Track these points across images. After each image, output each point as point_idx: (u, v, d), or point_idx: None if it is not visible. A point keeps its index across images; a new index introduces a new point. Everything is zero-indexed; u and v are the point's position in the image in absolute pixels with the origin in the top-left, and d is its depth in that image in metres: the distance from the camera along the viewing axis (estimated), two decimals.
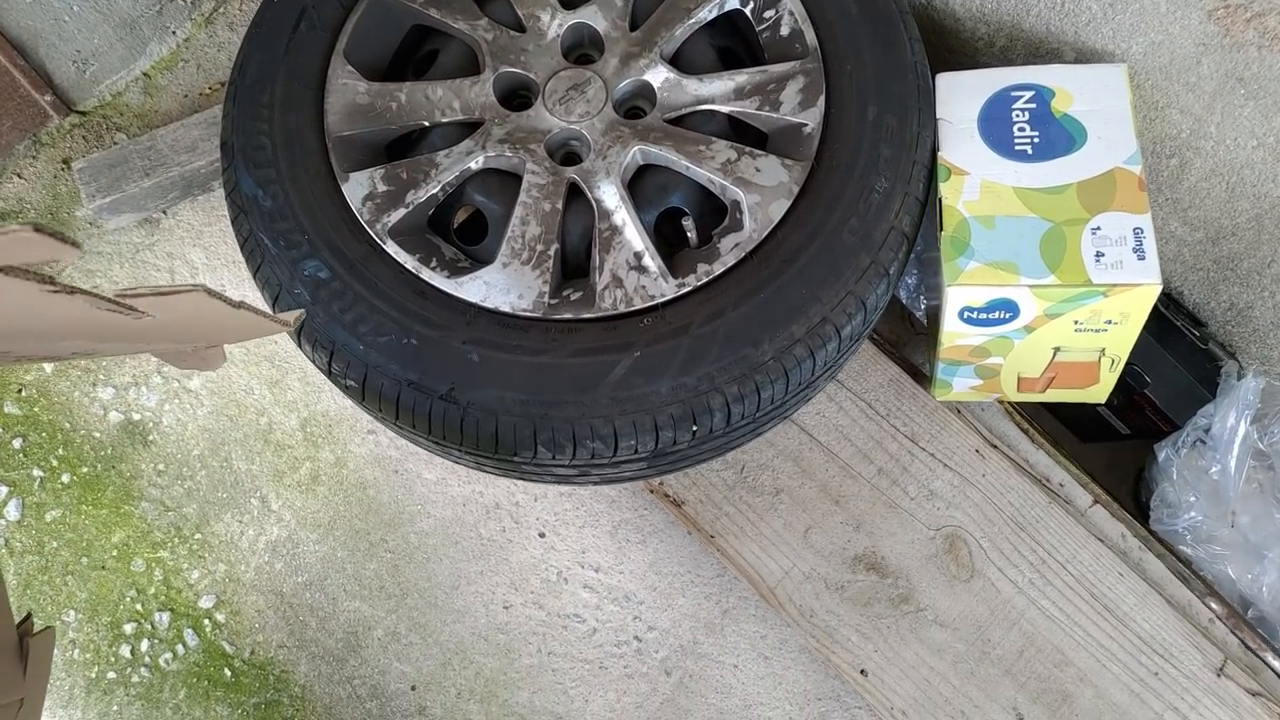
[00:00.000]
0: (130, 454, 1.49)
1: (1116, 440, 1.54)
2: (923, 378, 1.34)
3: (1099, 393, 1.24)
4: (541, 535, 1.50)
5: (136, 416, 1.51)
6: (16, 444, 1.49)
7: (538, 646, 1.46)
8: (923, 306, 1.43)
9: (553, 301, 1.06)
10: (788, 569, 1.25)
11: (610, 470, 1.11)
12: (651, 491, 1.31)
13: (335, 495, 1.49)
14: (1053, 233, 1.05)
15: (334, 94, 1.15)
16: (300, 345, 1.08)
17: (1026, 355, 1.15)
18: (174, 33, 1.63)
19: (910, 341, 1.38)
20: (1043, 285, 1.03)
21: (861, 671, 1.22)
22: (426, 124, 1.15)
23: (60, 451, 1.50)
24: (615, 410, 1.01)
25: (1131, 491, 1.58)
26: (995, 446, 1.30)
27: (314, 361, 1.09)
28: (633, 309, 1.05)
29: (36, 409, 1.52)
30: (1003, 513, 1.26)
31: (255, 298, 1.53)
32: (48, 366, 1.53)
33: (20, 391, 1.52)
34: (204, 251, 1.57)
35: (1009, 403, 1.32)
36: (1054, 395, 1.26)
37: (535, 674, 1.45)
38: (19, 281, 0.61)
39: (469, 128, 1.16)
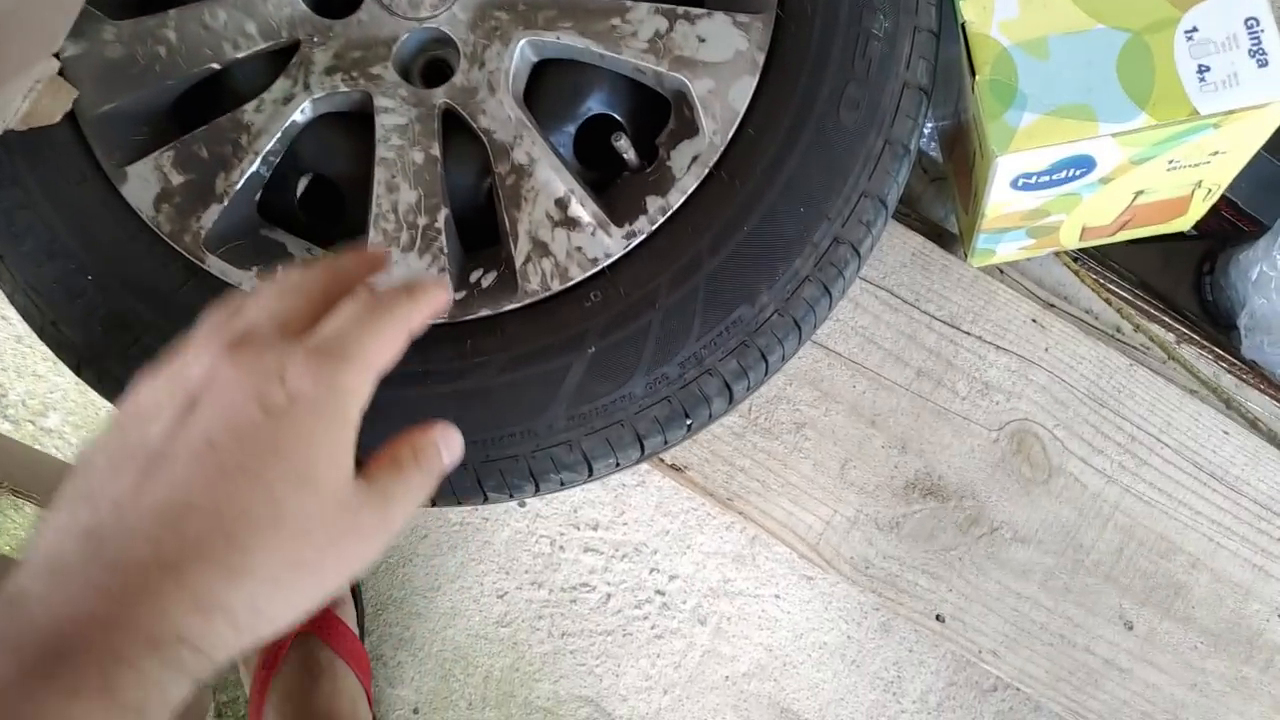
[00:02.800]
0: None
1: (1174, 240, 1.27)
2: (950, 239, 1.05)
3: (1183, 223, 0.96)
4: (521, 505, 1.26)
5: None
6: None
7: (548, 630, 1.25)
8: (932, 127, 1.11)
9: (459, 296, 0.75)
10: (828, 518, 1.01)
11: (594, 479, 0.84)
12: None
13: None
14: (1132, 47, 0.73)
15: (71, 51, 0.78)
16: None
17: (1098, 207, 0.86)
18: None
19: (925, 192, 1.08)
20: (1131, 131, 0.73)
21: (937, 618, 1.01)
22: (216, 66, 0.80)
23: None
24: (579, 431, 0.74)
25: (1193, 289, 1.33)
26: (1053, 307, 1.03)
27: None
28: (571, 282, 0.75)
29: None
30: (1076, 390, 1.01)
31: None
32: None
33: None
34: None
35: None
36: (1125, 235, 0.98)
37: (552, 661, 1.25)
38: None
39: (279, 56, 0.80)
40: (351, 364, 0.42)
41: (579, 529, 1.25)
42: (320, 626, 1.13)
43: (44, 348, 1.22)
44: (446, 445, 0.46)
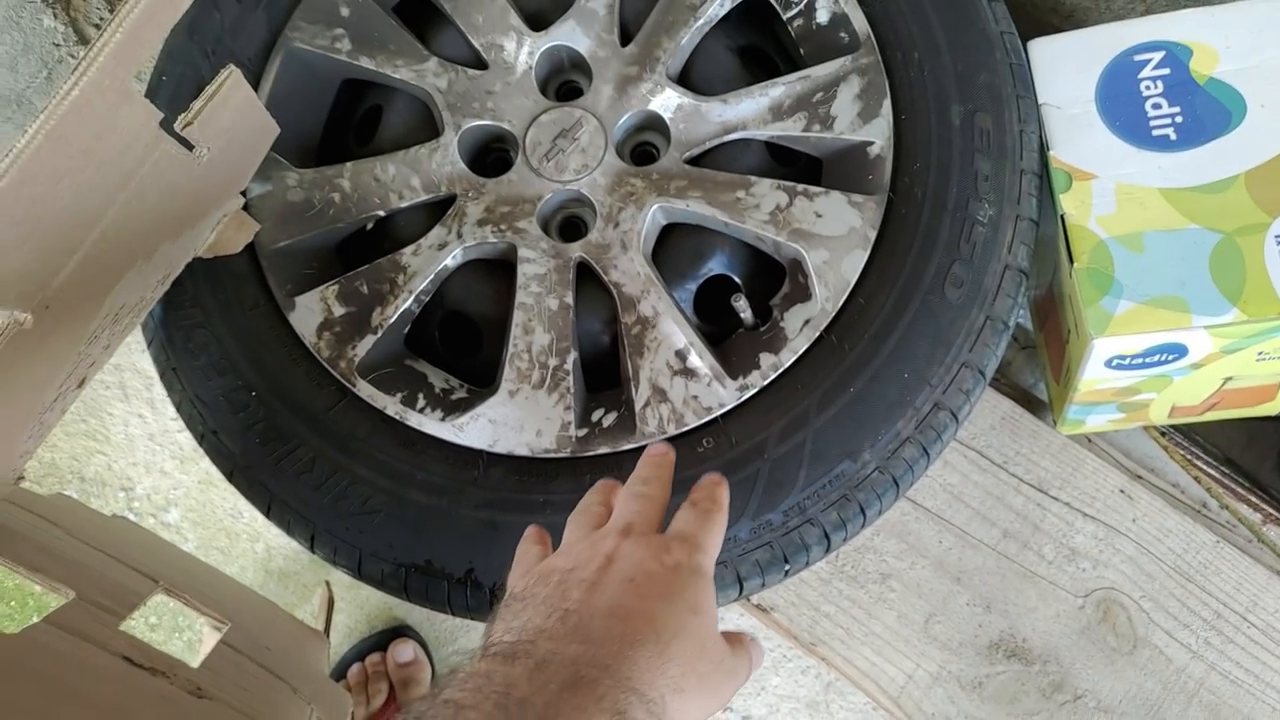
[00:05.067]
0: None
1: (1259, 418, 1.28)
2: (1039, 405, 1.09)
3: (1270, 408, 0.99)
4: None
5: None
6: None
7: None
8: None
9: (581, 433, 0.82)
10: (911, 672, 1.03)
11: None
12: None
13: (360, 624, 1.28)
14: (1224, 247, 0.79)
15: (256, 191, 0.89)
16: (270, 519, 0.85)
17: (1188, 388, 0.90)
18: None
19: (1015, 359, 1.13)
20: (1222, 325, 0.77)
21: None
22: (382, 213, 0.90)
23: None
24: None
25: (1276, 468, 1.34)
26: (1141, 479, 1.06)
27: (296, 540, 0.86)
28: (685, 429, 0.81)
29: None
30: (1163, 563, 1.03)
31: None
32: None
33: None
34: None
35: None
36: (1213, 416, 1.01)
37: None
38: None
39: (437, 207, 0.90)
40: (705, 552, 0.57)
41: None
42: None
43: (173, 446, 1.32)
44: (760, 656, 0.60)
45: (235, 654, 0.84)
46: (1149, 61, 0.85)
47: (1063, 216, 0.83)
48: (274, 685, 0.84)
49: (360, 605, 1.28)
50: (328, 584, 1.14)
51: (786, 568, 0.79)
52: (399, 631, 1.25)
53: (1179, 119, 0.83)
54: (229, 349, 0.85)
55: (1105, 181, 0.83)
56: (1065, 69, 0.87)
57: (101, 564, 0.84)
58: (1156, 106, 0.84)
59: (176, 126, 0.65)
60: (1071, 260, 0.82)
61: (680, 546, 0.56)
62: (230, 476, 0.85)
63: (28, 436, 0.75)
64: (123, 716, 0.63)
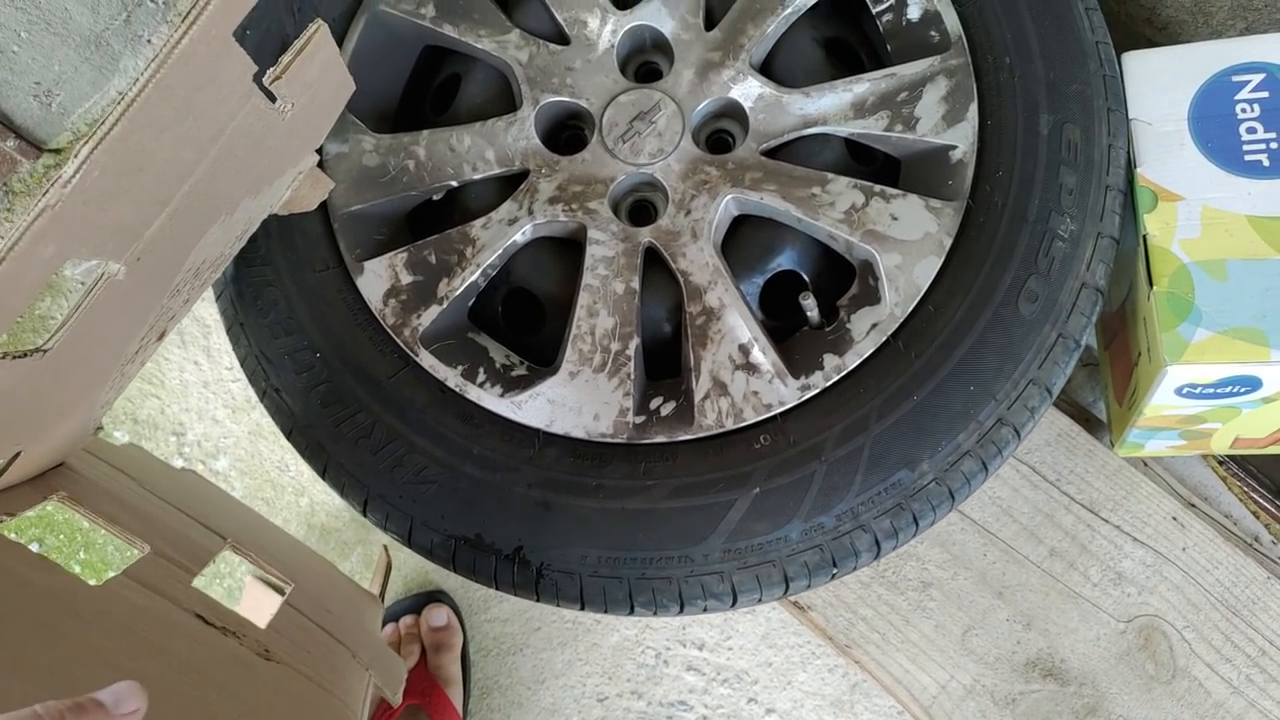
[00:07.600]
0: None
1: None
2: (1097, 424, 1.07)
3: None
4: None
5: None
6: (34, 548, 1.32)
7: None
8: None
9: (639, 420, 0.82)
10: (944, 682, 1.02)
11: (735, 609, 0.88)
12: None
13: (394, 585, 1.29)
14: None
15: (333, 151, 0.89)
16: (324, 480, 0.86)
17: (1255, 421, 0.88)
18: (149, 41, 1.37)
19: (1076, 376, 1.11)
20: None
21: None
22: (454, 184, 0.89)
23: (82, 555, 1.32)
24: (732, 564, 0.78)
25: None
26: (1194, 507, 1.04)
27: (348, 503, 0.87)
28: (744, 424, 0.80)
29: (49, 507, 1.34)
30: (1210, 594, 1.01)
31: None
32: None
33: None
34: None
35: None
36: (1276, 450, 0.99)
37: None
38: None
39: (510, 182, 0.90)
40: None
41: (685, 646, 1.28)
42: (429, 700, 1.17)
43: (226, 395, 1.34)
44: None
45: (299, 616, 0.85)
46: (1247, 83, 0.83)
47: (1145, 237, 0.81)
48: (334, 649, 0.85)
49: (397, 568, 1.29)
50: (385, 548, 1.15)
51: (834, 571, 0.79)
52: (434, 596, 1.26)
53: (1274, 145, 0.81)
54: (296, 309, 0.86)
55: (1192, 204, 0.81)
56: (1159, 85, 0.85)
57: (172, 518, 0.85)
58: (1251, 130, 0.82)
59: (266, 80, 0.66)
60: (1151, 283, 0.80)
61: None
62: (289, 435, 0.86)
63: (109, 387, 0.76)
64: (199, 672, 0.65)
